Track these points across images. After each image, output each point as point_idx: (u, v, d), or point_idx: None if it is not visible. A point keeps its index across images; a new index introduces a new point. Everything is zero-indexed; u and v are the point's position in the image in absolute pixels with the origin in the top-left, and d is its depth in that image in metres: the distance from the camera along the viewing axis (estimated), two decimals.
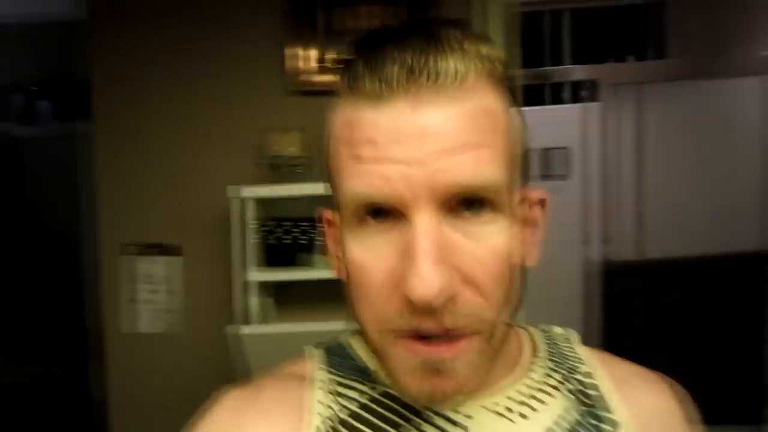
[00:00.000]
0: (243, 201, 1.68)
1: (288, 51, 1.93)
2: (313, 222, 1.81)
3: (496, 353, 0.50)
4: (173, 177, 1.95)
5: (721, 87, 3.17)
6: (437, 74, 0.44)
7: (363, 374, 0.56)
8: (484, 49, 0.48)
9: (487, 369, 0.49)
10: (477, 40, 0.48)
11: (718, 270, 3.08)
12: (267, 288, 1.85)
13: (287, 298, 1.89)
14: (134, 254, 1.93)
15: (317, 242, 1.79)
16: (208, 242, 1.92)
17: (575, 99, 3.46)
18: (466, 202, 0.46)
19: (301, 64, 1.94)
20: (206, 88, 1.94)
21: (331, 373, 0.56)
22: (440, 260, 0.43)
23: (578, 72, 3.36)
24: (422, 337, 0.46)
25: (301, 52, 1.93)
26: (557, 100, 3.49)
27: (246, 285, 1.64)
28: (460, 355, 0.46)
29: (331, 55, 1.94)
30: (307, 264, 1.76)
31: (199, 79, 1.94)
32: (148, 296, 1.93)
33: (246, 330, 1.48)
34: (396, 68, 0.44)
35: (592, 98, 3.27)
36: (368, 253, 0.47)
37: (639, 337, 3.04)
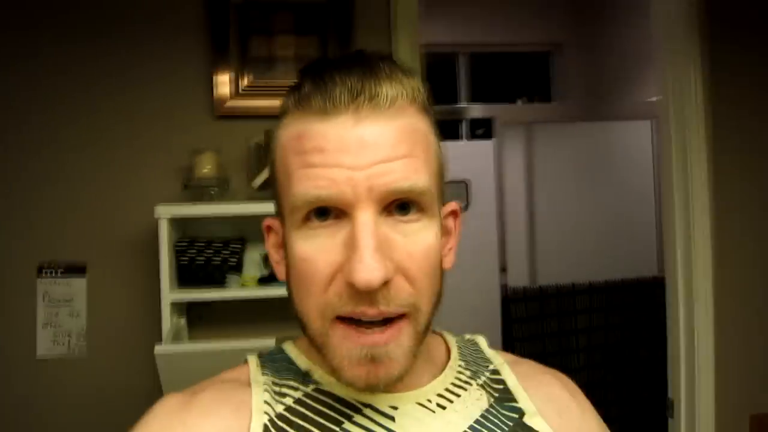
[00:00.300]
0: (163, 221, 1.67)
1: (206, 75, 1.97)
2: (231, 242, 1.82)
3: (422, 341, 0.56)
4: (87, 194, 1.90)
5: (609, 128, 3.48)
6: (373, 96, 0.53)
7: (297, 375, 0.60)
8: (410, 79, 0.57)
9: (415, 355, 0.55)
10: (405, 71, 0.57)
11: (620, 294, 3.31)
12: (191, 307, 1.83)
13: (211, 317, 1.88)
14: (49, 275, 1.85)
15: (233, 262, 1.80)
16: (129, 262, 1.88)
17: (473, 135, 3.70)
18: (398, 205, 0.53)
19: (218, 89, 1.97)
20: (124, 105, 1.92)
21: (267, 375, 0.60)
22: (378, 250, 0.50)
23: (475, 110, 3.59)
24: (359, 324, 0.52)
25: (218, 77, 1.97)
26: (456, 135, 3.71)
27: (168, 305, 1.62)
28: (393, 340, 0.53)
29: (246, 82, 1.99)
30: (228, 283, 1.76)
31: (116, 95, 1.92)
32: (64, 319, 1.84)
33: (173, 349, 1.46)
34: (339, 89, 0.52)
35: (488, 135, 3.50)
36: (314, 249, 0.53)
37: (543, 359, 3.20)
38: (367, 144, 0.51)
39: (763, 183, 2.28)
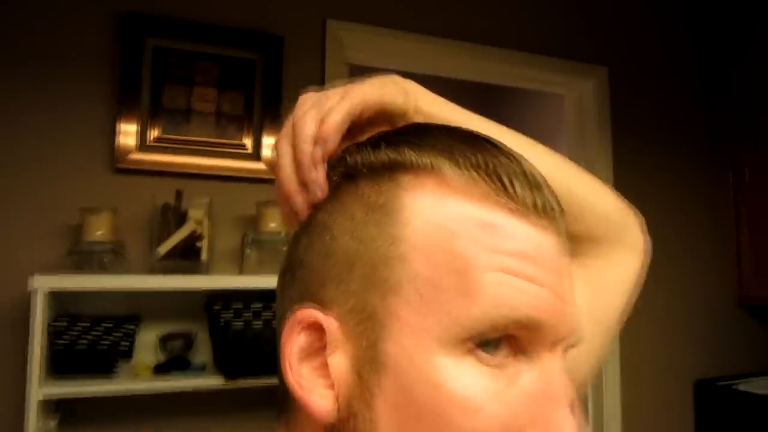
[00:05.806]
0: (38, 294, 1.33)
1: (107, 122, 1.68)
2: (124, 322, 1.51)
3: None
4: None
5: None
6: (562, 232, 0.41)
7: None
8: None
9: None
10: None
11: None
12: (61, 401, 1.47)
13: (88, 414, 1.52)
14: None
15: (125, 347, 1.49)
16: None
17: None
18: None
19: (120, 139, 1.68)
20: (4, 151, 1.59)
21: None
22: None
23: None
24: None
25: (122, 125, 1.69)
26: None
27: (36, 403, 1.27)
28: None
29: (156, 133, 1.73)
30: (118, 372, 1.44)
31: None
32: None
33: None
34: (549, 199, 0.39)
35: None
36: (488, 396, 0.36)
37: None
38: (564, 272, 0.39)
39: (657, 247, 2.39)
